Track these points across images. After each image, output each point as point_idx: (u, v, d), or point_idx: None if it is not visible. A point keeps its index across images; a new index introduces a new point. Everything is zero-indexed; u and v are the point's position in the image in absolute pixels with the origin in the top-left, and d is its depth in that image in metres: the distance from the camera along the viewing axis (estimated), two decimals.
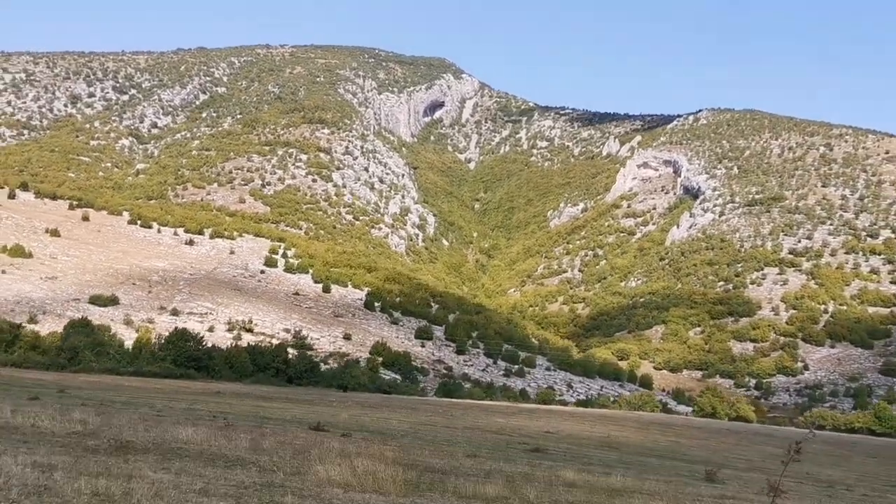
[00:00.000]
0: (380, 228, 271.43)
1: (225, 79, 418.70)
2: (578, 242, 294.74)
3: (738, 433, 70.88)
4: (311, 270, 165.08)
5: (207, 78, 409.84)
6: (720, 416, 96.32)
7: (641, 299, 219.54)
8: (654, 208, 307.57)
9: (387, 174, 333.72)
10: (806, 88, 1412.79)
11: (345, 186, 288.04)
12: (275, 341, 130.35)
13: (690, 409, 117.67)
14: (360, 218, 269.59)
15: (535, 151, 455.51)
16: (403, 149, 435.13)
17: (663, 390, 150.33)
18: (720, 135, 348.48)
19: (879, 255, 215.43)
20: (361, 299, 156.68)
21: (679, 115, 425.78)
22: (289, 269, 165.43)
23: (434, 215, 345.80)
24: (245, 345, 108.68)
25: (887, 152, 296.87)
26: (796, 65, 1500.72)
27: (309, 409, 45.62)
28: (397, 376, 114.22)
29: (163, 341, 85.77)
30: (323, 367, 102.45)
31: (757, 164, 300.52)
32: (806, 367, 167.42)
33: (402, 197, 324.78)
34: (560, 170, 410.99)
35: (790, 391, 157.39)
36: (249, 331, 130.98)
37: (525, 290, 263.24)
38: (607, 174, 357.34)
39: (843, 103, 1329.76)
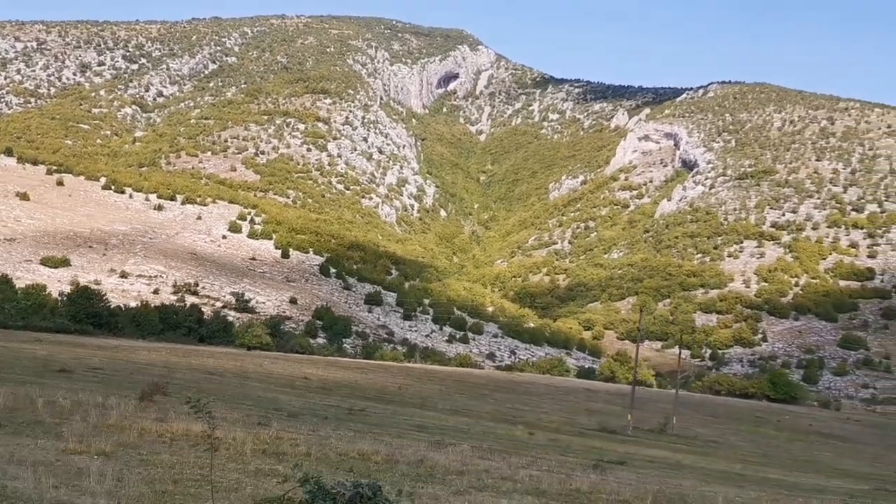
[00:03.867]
0: (371, 198, 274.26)
1: (236, 49, 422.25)
2: (572, 215, 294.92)
3: (544, 394, 71.93)
4: (273, 237, 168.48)
5: (218, 48, 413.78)
6: (619, 380, 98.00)
7: (619, 271, 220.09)
8: (651, 181, 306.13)
9: (387, 145, 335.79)
10: (834, 62, 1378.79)
11: (339, 156, 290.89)
12: (219, 304, 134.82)
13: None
14: (351, 187, 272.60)
15: (545, 124, 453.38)
16: (413, 120, 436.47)
17: (610, 357, 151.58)
18: (725, 108, 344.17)
19: (861, 228, 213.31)
20: (319, 265, 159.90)
21: (689, 88, 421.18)
22: (252, 234, 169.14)
23: (436, 186, 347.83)
24: (188, 306, 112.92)
25: (889, 126, 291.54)
26: (828, 38, 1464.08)
27: (92, 353, 48.63)
28: (323, 339, 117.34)
29: (65, 299, 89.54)
30: (237, 326, 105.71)
31: (755, 138, 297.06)
32: (764, 339, 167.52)
33: (401, 168, 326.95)
34: (568, 142, 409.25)
35: (743, 362, 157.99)
36: (195, 293, 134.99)
37: (512, 261, 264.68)
38: (610, 147, 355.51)
39: (873, 78, 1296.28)
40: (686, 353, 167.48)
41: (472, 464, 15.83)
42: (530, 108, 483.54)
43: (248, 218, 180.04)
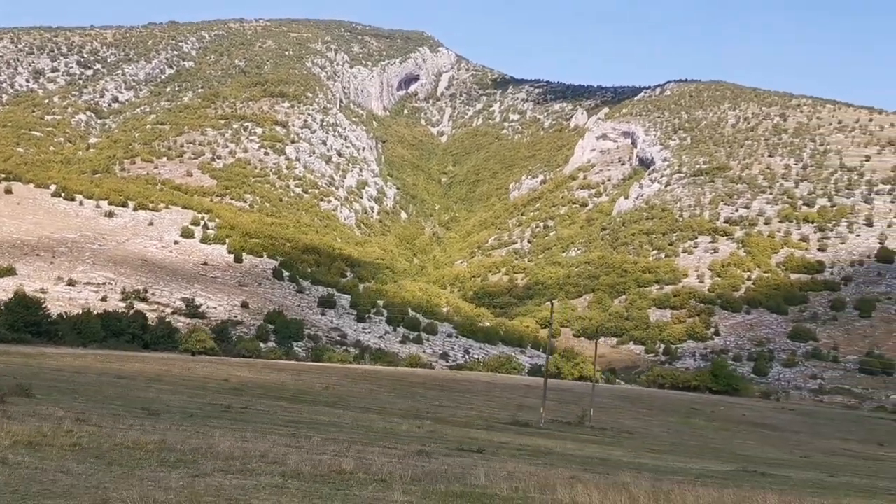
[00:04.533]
0: (329, 201, 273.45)
1: (193, 53, 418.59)
2: (532, 214, 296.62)
3: (479, 391, 72.80)
4: (227, 241, 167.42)
5: (175, 52, 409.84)
6: (565, 376, 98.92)
7: (577, 269, 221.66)
8: (609, 179, 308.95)
9: (347, 147, 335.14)
10: (792, 60, 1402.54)
11: (298, 160, 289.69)
12: (168, 310, 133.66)
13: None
14: (310, 191, 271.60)
15: (506, 124, 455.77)
16: (374, 122, 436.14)
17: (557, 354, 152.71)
18: (681, 106, 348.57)
19: (812, 222, 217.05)
20: (272, 269, 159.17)
21: (647, 87, 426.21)
22: (205, 239, 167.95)
23: (397, 188, 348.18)
24: (132, 313, 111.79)
25: (840, 122, 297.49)
26: (787, 35, 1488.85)
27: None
28: (273, 343, 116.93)
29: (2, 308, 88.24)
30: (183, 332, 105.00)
31: (710, 135, 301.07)
32: (717, 333, 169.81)
33: (361, 170, 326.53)
34: (528, 142, 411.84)
35: (696, 356, 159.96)
36: (144, 300, 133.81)
37: (472, 261, 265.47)
38: (570, 146, 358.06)
39: (829, 75, 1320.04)
40: (640, 348, 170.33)
41: (259, 451, 16.07)
42: (491, 109, 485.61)
43: (202, 223, 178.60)
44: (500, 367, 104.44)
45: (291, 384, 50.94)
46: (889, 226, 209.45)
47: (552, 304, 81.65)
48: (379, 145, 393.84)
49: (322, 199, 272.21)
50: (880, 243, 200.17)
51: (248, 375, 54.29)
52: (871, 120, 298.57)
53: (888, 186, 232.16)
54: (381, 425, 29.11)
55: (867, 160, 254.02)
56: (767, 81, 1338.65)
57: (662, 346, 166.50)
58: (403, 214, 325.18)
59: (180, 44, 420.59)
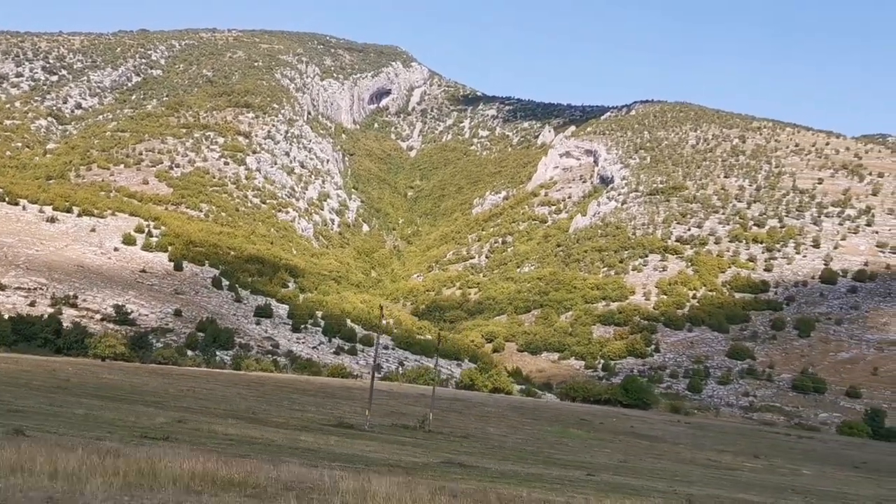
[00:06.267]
0: (287, 212, 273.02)
1: (162, 61, 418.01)
2: (492, 230, 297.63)
3: (351, 398, 72.57)
4: (169, 249, 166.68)
5: (143, 60, 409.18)
6: (479, 388, 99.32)
7: (528, 284, 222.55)
8: (570, 197, 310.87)
9: (310, 159, 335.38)
10: (767, 84, 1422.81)
11: (258, 170, 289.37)
12: (98, 316, 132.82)
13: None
14: (268, 201, 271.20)
15: (475, 140, 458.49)
16: (343, 135, 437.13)
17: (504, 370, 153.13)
18: (644, 126, 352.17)
19: (761, 243, 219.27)
20: (212, 278, 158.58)
21: (615, 107, 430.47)
22: (146, 247, 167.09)
23: (361, 201, 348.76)
24: (45, 318, 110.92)
25: (797, 145, 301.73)
26: (764, 59, 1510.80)
27: None
28: (195, 352, 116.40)
29: None
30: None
31: (669, 155, 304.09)
32: (657, 350, 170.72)
33: (324, 182, 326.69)
34: (495, 159, 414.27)
35: (634, 372, 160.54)
36: (74, 306, 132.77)
37: (429, 275, 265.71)
38: (534, 164, 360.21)
39: (799, 101, 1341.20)
40: (580, 363, 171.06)
41: None
42: (461, 125, 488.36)
43: (146, 230, 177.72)
44: (419, 378, 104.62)
45: (143, 387, 50.91)
46: (835, 247, 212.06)
47: (381, 308, 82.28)
48: (346, 158, 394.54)
49: (280, 210, 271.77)
50: (825, 264, 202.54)
51: (110, 378, 54.18)
52: (827, 144, 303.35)
53: (837, 209, 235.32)
54: (146, 422, 29.22)
55: (819, 183, 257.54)
56: (735, 104, 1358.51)
57: (602, 361, 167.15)
58: (365, 227, 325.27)
59: (149, 52, 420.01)
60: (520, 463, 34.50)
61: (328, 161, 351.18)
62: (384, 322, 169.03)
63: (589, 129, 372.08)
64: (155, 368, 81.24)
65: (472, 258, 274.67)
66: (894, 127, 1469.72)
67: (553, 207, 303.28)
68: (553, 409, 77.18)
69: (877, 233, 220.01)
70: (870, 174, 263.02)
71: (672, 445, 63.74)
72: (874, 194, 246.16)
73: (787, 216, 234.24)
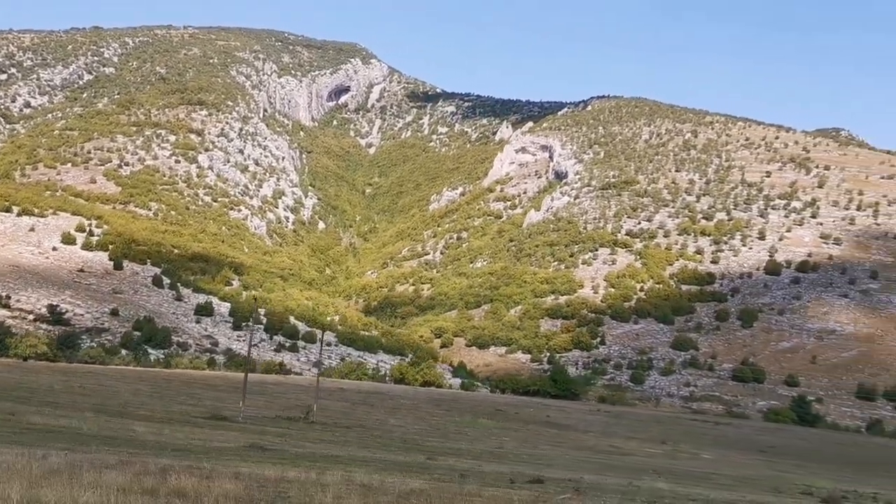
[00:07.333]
0: (240, 210, 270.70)
1: (115, 59, 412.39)
2: (447, 226, 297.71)
3: (263, 392, 72.55)
4: (109, 248, 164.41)
5: (96, 58, 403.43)
6: (410, 382, 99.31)
7: (480, 279, 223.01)
8: (525, 192, 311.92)
9: (265, 157, 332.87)
10: (722, 80, 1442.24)
11: (211, 168, 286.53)
12: (31, 317, 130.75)
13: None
14: (220, 199, 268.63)
15: (434, 137, 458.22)
16: (301, 132, 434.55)
17: (443, 363, 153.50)
18: (599, 121, 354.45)
19: (709, 236, 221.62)
20: (153, 276, 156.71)
21: (572, 103, 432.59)
22: (87, 246, 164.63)
23: (318, 199, 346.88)
24: None
25: (747, 139, 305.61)
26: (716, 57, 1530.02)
27: None
28: (127, 351, 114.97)
29: None
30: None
31: (623, 150, 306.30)
32: (602, 342, 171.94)
33: (279, 180, 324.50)
34: (454, 155, 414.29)
35: (578, 365, 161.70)
36: (6, 306, 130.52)
37: (383, 272, 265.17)
38: (492, 159, 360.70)
39: (753, 95, 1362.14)
40: (527, 357, 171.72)
41: None
42: (420, 122, 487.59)
43: (88, 229, 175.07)
44: (350, 374, 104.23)
45: (28, 384, 50.09)
46: (780, 239, 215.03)
47: (255, 299, 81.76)
48: (303, 156, 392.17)
49: (232, 208, 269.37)
50: (770, 256, 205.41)
51: (8, 377, 53.22)
52: (777, 138, 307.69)
53: (784, 202, 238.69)
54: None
55: (768, 176, 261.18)
56: (691, 99, 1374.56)
57: (548, 355, 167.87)
58: (321, 225, 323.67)
59: (102, 49, 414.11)
60: (381, 450, 34.39)
61: (284, 158, 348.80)
62: (332, 318, 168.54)
63: (545, 124, 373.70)
64: (75, 368, 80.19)
65: (426, 254, 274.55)
66: (847, 121, 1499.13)
67: (508, 203, 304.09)
68: (473, 401, 77.30)
69: (821, 224, 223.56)
70: (816, 167, 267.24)
71: (581, 433, 64.12)
72: (820, 186, 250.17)
73: (734, 209, 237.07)
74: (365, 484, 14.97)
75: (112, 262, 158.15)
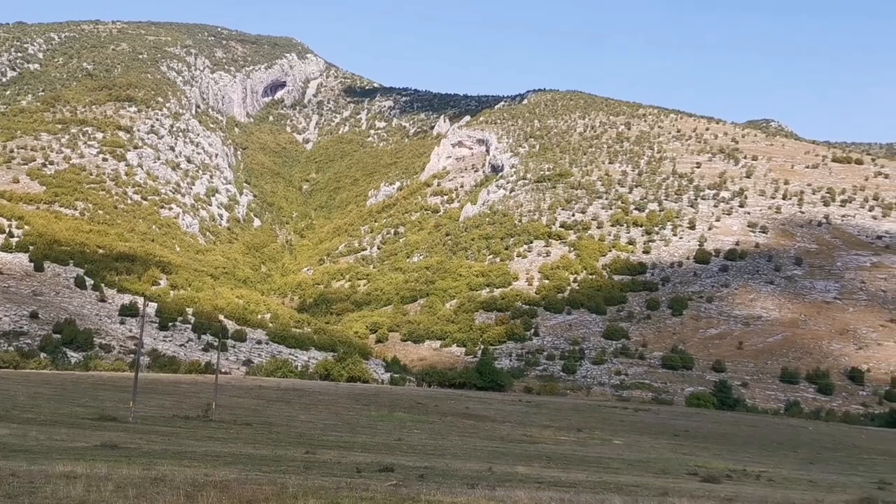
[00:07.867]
0: (171, 209, 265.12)
1: (40, 55, 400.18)
2: (384, 221, 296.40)
3: (173, 392, 71.23)
4: (30, 249, 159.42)
5: (19, 54, 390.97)
6: (335, 378, 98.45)
7: (416, 274, 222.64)
8: (462, 186, 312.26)
9: (198, 154, 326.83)
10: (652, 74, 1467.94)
11: (140, 166, 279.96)
12: None
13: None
14: (150, 198, 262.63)
15: (372, 132, 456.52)
16: (236, 129, 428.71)
17: (377, 358, 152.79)
18: (535, 115, 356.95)
19: (640, 226, 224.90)
20: (75, 277, 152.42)
21: (508, 96, 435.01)
22: (5, 247, 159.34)
23: (253, 196, 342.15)
24: None
25: (679, 131, 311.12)
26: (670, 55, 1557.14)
27: None
28: (44, 354, 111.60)
29: None
30: None
31: (558, 143, 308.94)
32: (536, 334, 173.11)
33: (212, 177, 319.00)
34: (392, 150, 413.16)
35: (512, 357, 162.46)
36: None
37: (319, 268, 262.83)
38: (429, 154, 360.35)
39: (687, 88, 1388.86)
40: (461, 350, 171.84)
41: None
42: (358, 117, 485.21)
43: (7, 230, 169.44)
44: (276, 371, 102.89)
45: None
46: (709, 228, 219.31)
47: (145, 298, 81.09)
48: (238, 152, 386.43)
49: (163, 207, 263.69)
50: (699, 245, 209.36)
51: None
52: (707, 129, 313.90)
53: (713, 192, 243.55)
54: None
55: (698, 167, 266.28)
56: (627, 92, 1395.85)
57: (482, 347, 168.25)
58: (257, 222, 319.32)
59: (26, 45, 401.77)
60: (267, 446, 33.63)
61: (217, 155, 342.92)
62: (263, 316, 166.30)
63: (482, 118, 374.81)
64: None
65: (363, 250, 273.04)
66: (780, 113, 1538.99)
67: (445, 197, 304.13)
68: (394, 395, 76.83)
69: (749, 213, 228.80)
70: (745, 157, 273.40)
71: (497, 424, 64.12)
72: (748, 176, 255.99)
73: (666, 200, 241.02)
74: (160, 478, 14.32)
75: (32, 264, 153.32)
